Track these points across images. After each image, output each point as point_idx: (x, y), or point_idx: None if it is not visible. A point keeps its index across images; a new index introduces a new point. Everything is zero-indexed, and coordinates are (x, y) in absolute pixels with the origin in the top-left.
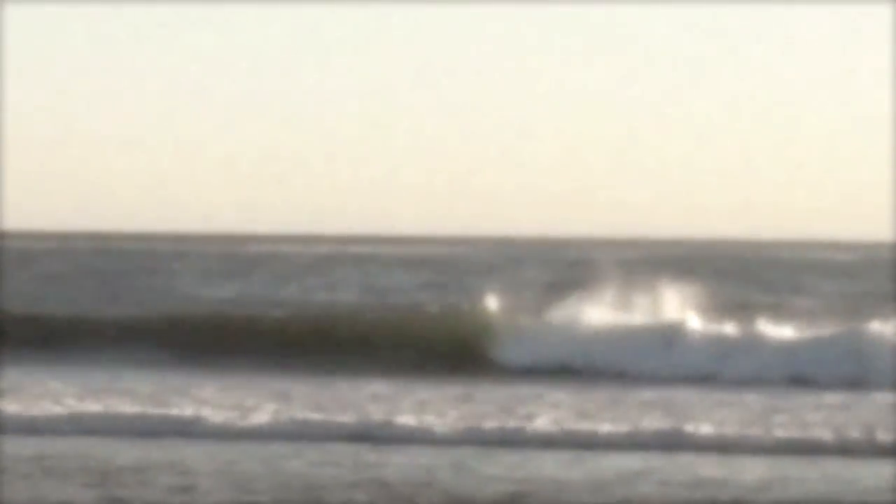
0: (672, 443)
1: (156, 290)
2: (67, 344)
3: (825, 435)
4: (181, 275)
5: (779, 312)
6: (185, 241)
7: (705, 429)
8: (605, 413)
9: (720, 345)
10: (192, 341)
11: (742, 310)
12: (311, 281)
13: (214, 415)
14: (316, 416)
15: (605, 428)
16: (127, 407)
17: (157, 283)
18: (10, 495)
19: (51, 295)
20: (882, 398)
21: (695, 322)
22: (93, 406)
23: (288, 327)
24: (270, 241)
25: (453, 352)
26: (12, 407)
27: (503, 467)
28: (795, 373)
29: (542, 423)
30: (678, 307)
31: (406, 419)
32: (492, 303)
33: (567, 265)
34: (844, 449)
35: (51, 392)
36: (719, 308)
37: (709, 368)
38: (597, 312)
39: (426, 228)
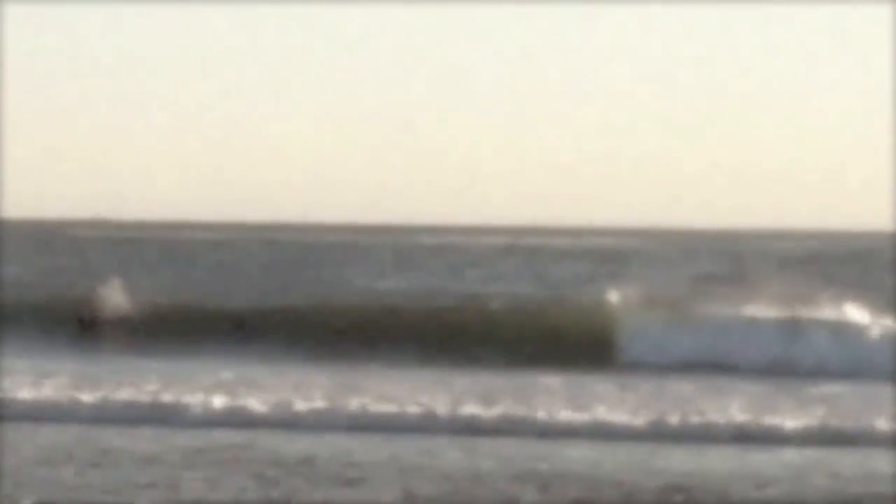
0: (847, 440)
1: (330, 282)
2: (240, 336)
3: None
4: (355, 267)
5: None
6: (357, 232)
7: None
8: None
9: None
10: (365, 333)
11: None
12: (480, 272)
13: (382, 407)
14: (491, 411)
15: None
16: (298, 400)
17: (332, 275)
18: (184, 488)
19: (224, 286)
20: None
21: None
22: (258, 399)
23: (458, 319)
24: (441, 232)
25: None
26: (190, 399)
27: (682, 461)
28: None
29: (725, 416)
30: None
31: (577, 413)
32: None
33: (730, 257)
34: None
35: (224, 384)
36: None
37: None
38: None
39: (597, 219)
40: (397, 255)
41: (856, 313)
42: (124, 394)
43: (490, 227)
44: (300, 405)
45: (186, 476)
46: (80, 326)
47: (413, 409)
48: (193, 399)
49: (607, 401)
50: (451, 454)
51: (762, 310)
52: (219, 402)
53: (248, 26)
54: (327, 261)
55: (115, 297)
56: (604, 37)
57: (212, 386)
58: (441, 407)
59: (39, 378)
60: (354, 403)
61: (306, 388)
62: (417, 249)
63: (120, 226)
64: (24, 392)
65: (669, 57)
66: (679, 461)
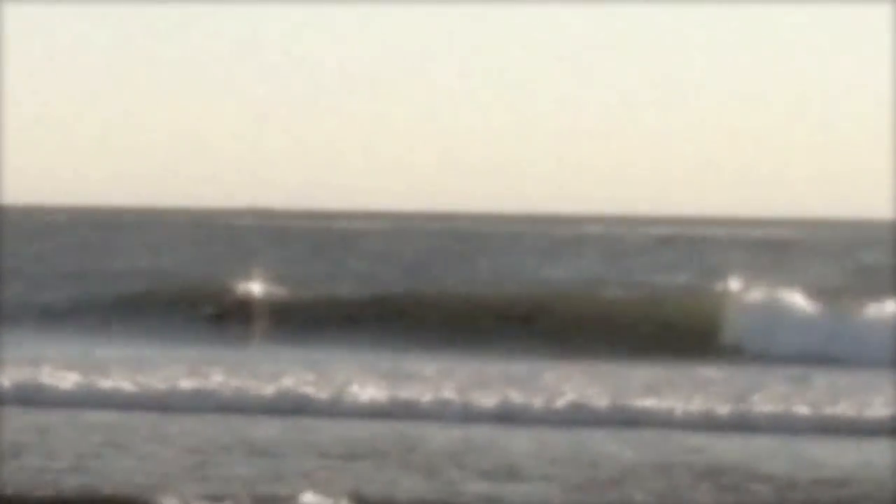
0: None
1: (496, 270)
2: (394, 325)
3: None
4: (520, 255)
5: None
6: (518, 222)
7: None
8: None
9: None
10: (525, 323)
11: None
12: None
13: (535, 398)
14: (645, 402)
15: None
16: (447, 392)
17: (497, 264)
18: (342, 479)
19: (380, 275)
20: None
21: None
22: (412, 389)
23: (615, 309)
24: (602, 221)
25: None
26: (342, 389)
27: (835, 454)
28: None
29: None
30: None
31: (729, 406)
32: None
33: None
34: None
35: (377, 373)
36: None
37: None
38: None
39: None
40: (557, 244)
41: None
42: (273, 385)
43: (649, 217)
44: (453, 395)
45: (345, 467)
46: (230, 315)
47: (566, 401)
48: (346, 389)
49: (764, 392)
50: (606, 447)
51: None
52: (373, 392)
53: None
54: (488, 250)
55: (265, 285)
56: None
57: (366, 376)
58: (599, 399)
59: (198, 368)
60: (508, 395)
61: (460, 378)
62: (579, 238)
63: (273, 214)
64: (183, 382)
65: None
66: (831, 454)
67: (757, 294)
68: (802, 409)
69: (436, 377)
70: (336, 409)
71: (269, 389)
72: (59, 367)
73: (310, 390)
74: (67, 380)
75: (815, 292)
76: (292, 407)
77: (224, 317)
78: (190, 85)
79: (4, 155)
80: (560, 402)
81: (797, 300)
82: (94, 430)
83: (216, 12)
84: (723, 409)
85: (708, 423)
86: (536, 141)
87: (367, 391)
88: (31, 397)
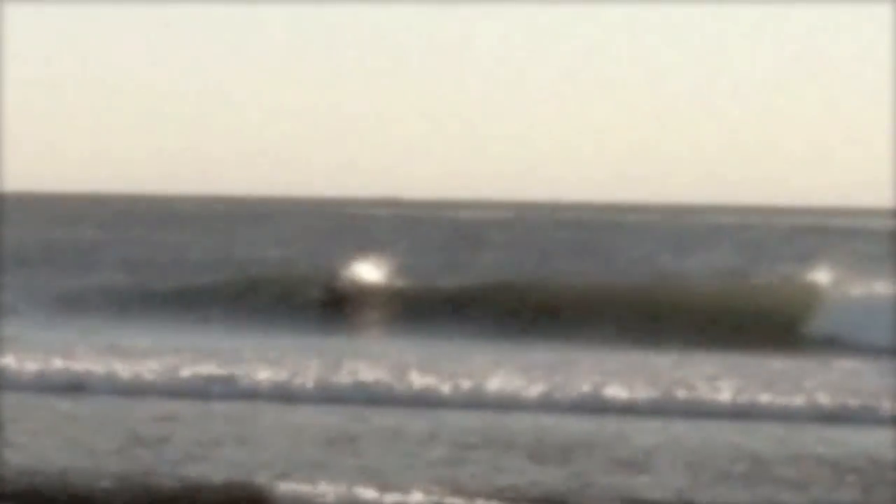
0: None
1: (622, 260)
2: (526, 314)
3: None
4: (652, 246)
5: None
6: (648, 211)
7: None
8: None
9: None
10: (656, 314)
11: None
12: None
13: (653, 391)
14: (764, 396)
15: None
16: (578, 383)
17: (624, 254)
18: (461, 470)
19: (507, 265)
20: None
21: None
22: (537, 381)
23: (744, 300)
24: (736, 212)
25: None
26: (458, 380)
27: None
28: None
29: None
30: None
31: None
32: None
33: None
34: None
35: (493, 365)
36: None
37: None
38: None
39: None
40: (685, 234)
41: None
42: (398, 375)
43: (786, 207)
44: (576, 387)
45: (462, 457)
46: (355, 305)
47: (693, 393)
48: (471, 380)
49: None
50: (730, 438)
51: None
52: (501, 383)
53: None
54: (613, 239)
55: (383, 274)
56: None
57: (493, 366)
58: (722, 393)
59: (326, 358)
60: (631, 385)
61: (584, 369)
62: (707, 229)
63: (399, 203)
64: (311, 372)
65: None
66: None
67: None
68: None
69: (563, 367)
70: (461, 400)
71: (394, 379)
72: (194, 357)
73: (434, 381)
74: (199, 369)
75: None
76: (416, 398)
77: (349, 306)
78: (326, 73)
79: (146, 145)
80: (687, 395)
81: None
82: (220, 420)
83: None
84: (853, 403)
85: (835, 416)
86: (665, 130)
87: (494, 382)
88: (160, 387)
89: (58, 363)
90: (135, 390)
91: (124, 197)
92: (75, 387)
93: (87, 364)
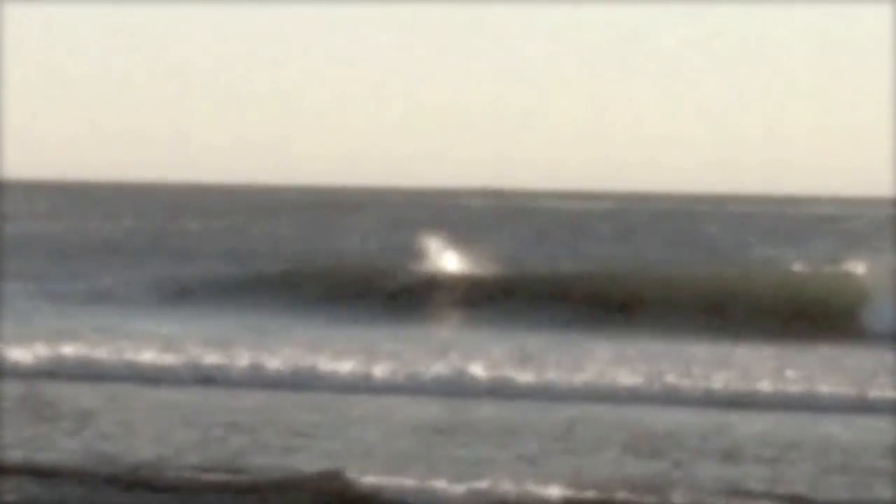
0: None
1: (717, 250)
2: (618, 305)
3: None
4: (746, 236)
5: None
6: (744, 202)
7: None
8: None
9: None
10: (753, 305)
11: None
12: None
13: (753, 383)
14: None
15: None
16: (671, 373)
17: (719, 244)
18: (553, 462)
19: (610, 258)
20: None
21: None
22: (627, 374)
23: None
24: (836, 202)
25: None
26: (553, 372)
27: None
28: None
29: None
30: None
31: None
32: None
33: None
34: None
35: (586, 357)
36: None
37: None
38: None
39: None
40: (784, 224)
41: None
42: (486, 367)
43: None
44: (671, 378)
45: (564, 450)
46: (442, 294)
47: (797, 387)
48: (558, 372)
49: None
50: (830, 429)
51: None
52: (588, 377)
53: None
54: (711, 229)
55: (480, 264)
56: None
57: (583, 358)
58: (825, 383)
59: (420, 350)
60: (724, 377)
61: (677, 360)
62: (806, 219)
63: (497, 194)
64: (405, 364)
65: None
66: None
67: None
68: None
69: (652, 360)
70: (547, 392)
71: (482, 372)
72: (289, 347)
73: (518, 374)
74: (293, 360)
75: None
76: (505, 390)
77: (445, 296)
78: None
79: (245, 138)
80: (791, 388)
81: None
82: (306, 410)
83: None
84: None
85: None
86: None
87: (582, 376)
88: (251, 377)
89: (149, 354)
90: (226, 381)
91: (226, 188)
92: (161, 377)
93: (177, 355)
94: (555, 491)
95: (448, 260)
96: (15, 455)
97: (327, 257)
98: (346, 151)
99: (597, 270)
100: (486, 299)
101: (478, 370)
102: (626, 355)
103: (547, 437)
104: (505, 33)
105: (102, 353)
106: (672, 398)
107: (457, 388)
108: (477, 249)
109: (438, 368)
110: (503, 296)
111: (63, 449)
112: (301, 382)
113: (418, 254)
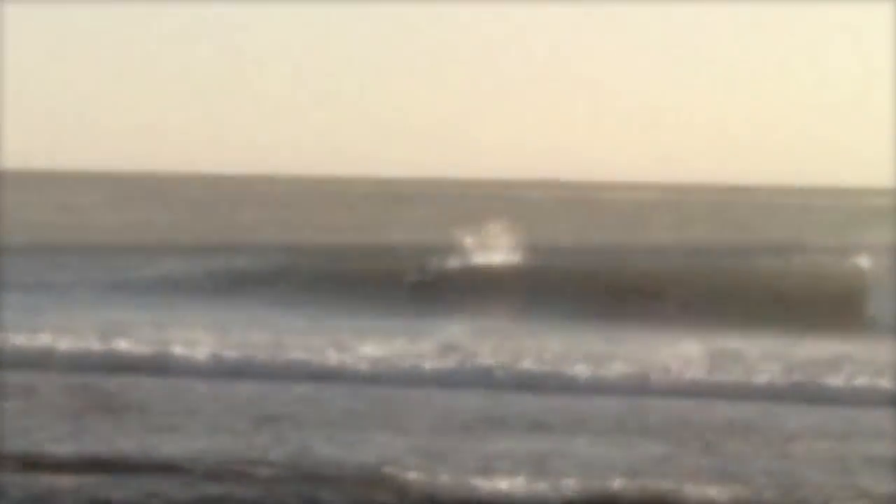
0: None
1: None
2: (664, 300)
3: None
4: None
5: None
6: (804, 194)
7: None
8: None
9: None
10: (809, 298)
11: None
12: None
13: (811, 374)
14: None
15: None
16: (723, 370)
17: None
18: (601, 456)
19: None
20: None
21: None
22: (675, 368)
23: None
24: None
25: None
26: (584, 365)
27: None
28: None
29: None
30: None
31: None
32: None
33: None
34: None
35: (621, 350)
36: None
37: None
38: None
39: None
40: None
41: None
42: (532, 359)
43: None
44: (723, 374)
45: (615, 443)
46: (498, 286)
47: (864, 381)
48: (607, 364)
49: None
50: (883, 425)
51: None
52: (623, 368)
53: None
54: (771, 222)
55: (536, 256)
56: None
57: (618, 350)
58: (881, 377)
59: (458, 341)
60: (781, 368)
61: (727, 354)
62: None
63: (556, 185)
64: (443, 354)
65: None
66: None
67: None
68: None
69: (706, 356)
70: (596, 385)
71: (531, 364)
72: (340, 338)
73: (569, 366)
74: (345, 351)
75: None
76: (555, 383)
77: (500, 288)
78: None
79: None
80: (859, 381)
81: None
82: (363, 401)
83: None
84: None
85: None
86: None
87: (616, 367)
88: (301, 368)
89: (204, 349)
90: (276, 372)
91: (279, 178)
92: (213, 370)
93: (227, 347)
94: (617, 483)
95: (500, 251)
96: (67, 448)
97: (376, 248)
98: (389, 144)
99: (647, 265)
100: (539, 291)
101: (528, 363)
102: (664, 350)
103: (594, 432)
104: (562, 26)
105: (153, 345)
106: (722, 392)
107: (509, 381)
108: (531, 240)
109: (487, 361)
110: (558, 288)
111: (117, 442)
112: (346, 374)
113: (467, 245)
